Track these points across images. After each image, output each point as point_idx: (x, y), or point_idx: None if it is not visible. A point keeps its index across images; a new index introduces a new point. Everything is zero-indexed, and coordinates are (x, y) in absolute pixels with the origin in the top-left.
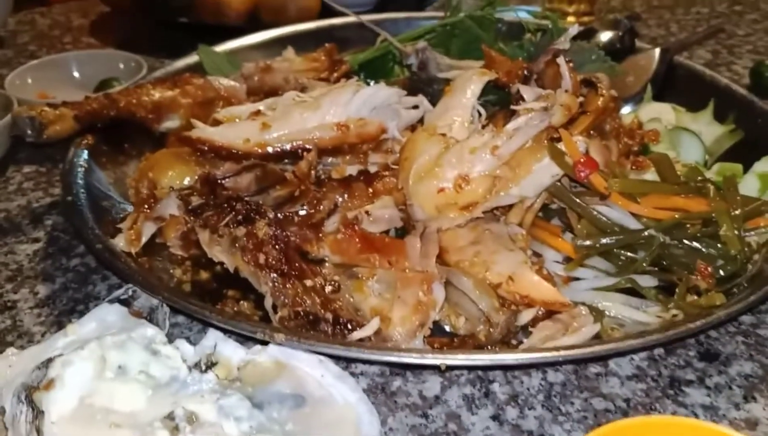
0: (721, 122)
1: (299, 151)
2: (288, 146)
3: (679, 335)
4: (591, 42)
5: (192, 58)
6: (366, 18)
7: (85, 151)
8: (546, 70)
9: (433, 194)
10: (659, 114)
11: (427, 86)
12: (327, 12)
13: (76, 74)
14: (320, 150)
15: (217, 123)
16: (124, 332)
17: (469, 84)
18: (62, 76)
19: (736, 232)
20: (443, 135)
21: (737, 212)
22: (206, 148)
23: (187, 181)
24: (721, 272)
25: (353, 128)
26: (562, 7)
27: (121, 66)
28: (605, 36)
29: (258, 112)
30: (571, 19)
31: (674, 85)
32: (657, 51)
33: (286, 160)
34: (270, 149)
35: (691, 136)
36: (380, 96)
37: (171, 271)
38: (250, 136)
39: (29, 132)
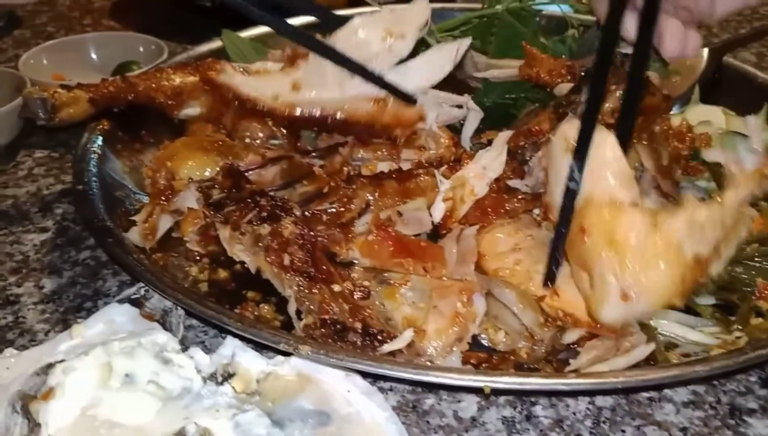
0: None
1: (328, 118)
2: (317, 112)
3: (748, 363)
4: None
5: (215, 44)
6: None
7: (100, 138)
8: None
9: (678, 282)
10: (708, 117)
11: (462, 85)
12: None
13: (93, 56)
14: (350, 123)
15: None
16: (134, 338)
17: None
18: (79, 57)
19: None
20: (635, 204)
21: None
22: (231, 95)
23: (207, 172)
24: None
25: (390, 107)
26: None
27: (141, 49)
28: None
29: (293, 64)
30: None
31: (723, 87)
32: (705, 51)
33: (314, 154)
34: (298, 111)
35: (746, 140)
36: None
37: (187, 268)
38: (279, 94)
39: (41, 114)
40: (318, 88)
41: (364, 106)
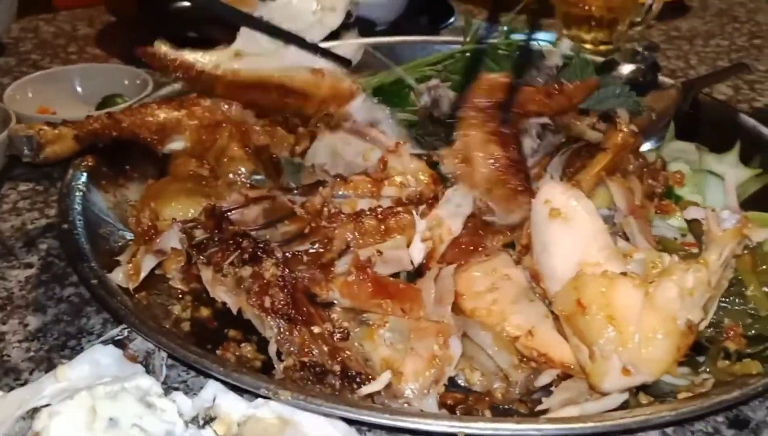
0: (746, 165)
1: (268, 86)
2: (257, 78)
3: (714, 408)
4: (613, 75)
5: None
6: (381, 40)
7: (84, 174)
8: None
9: (674, 351)
10: (683, 153)
11: (439, 124)
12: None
13: (78, 88)
14: (288, 90)
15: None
16: (118, 382)
17: (587, 209)
18: (64, 89)
19: (765, 289)
20: (624, 274)
21: (764, 268)
22: (176, 63)
23: (192, 212)
24: (752, 332)
25: (327, 78)
26: (580, 34)
27: (126, 82)
28: (627, 69)
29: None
30: (588, 47)
31: (698, 123)
32: (680, 87)
33: (295, 192)
34: (240, 76)
35: (718, 180)
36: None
37: (169, 307)
38: (221, 63)
39: (26, 151)
40: (257, 57)
41: (303, 74)
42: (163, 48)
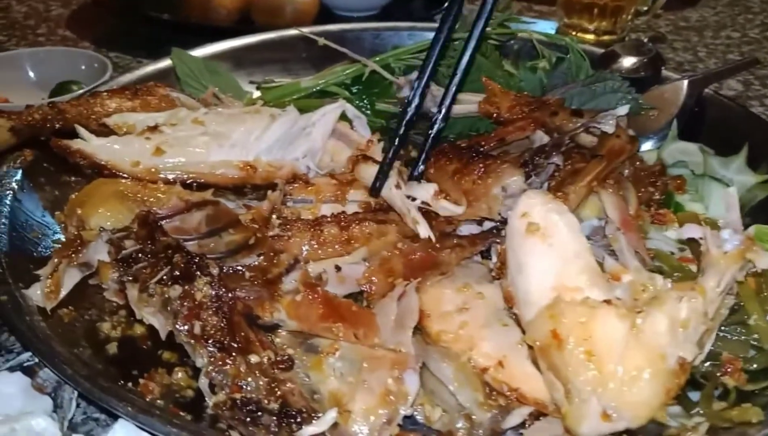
0: (755, 169)
1: (193, 184)
2: (183, 177)
3: None
4: (613, 67)
5: (163, 63)
6: (366, 26)
7: (19, 171)
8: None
9: (661, 394)
10: (685, 155)
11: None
12: (324, 16)
13: (31, 74)
14: (218, 186)
15: (106, 130)
16: (7, 423)
17: (569, 226)
18: (15, 75)
19: None
20: (608, 302)
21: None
22: (85, 163)
23: (123, 220)
24: (755, 366)
25: (261, 171)
26: (582, 23)
27: (83, 67)
28: (628, 61)
29: (155, 128)
30: (590, 37)
31: (703, 122)
32: (685, 83)
33: (251, 196)
34: (161, 176)
35: (723, 188)
36: (297, 126)
37: (98, 324)
38: (140, 159)
39: None
40: (181, 153)
41: (232, 172)
42: (75, 145)
